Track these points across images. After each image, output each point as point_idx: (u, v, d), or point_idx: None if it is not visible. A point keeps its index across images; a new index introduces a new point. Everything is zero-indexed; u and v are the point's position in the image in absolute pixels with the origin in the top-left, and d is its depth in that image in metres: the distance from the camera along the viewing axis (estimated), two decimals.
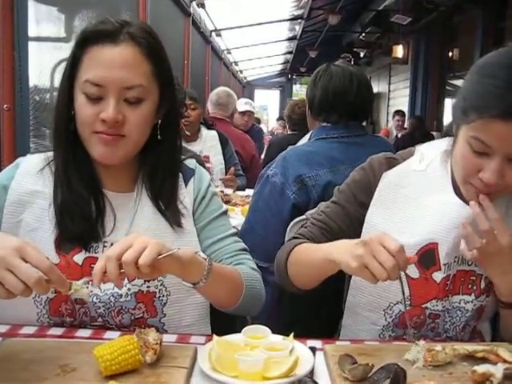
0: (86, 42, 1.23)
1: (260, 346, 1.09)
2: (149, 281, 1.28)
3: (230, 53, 11.45)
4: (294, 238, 1.46)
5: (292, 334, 1.14)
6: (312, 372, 1.06)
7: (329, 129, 2.08)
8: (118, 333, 1.23)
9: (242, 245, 1.44)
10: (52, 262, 1.22)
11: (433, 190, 1.33)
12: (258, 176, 4.74)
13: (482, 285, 1.33)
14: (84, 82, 1.21)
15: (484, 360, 1.08)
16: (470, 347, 1.11)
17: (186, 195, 1.38)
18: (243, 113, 5.61)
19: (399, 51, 10.99)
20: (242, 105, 5.57)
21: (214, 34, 8.87)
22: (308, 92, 2.18)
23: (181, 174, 1.40)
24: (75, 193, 1.28)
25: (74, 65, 1.24)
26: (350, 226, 1.40)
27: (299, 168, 1.99)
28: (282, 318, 1.65)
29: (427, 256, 1.30)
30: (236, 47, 11.11)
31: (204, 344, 1.15)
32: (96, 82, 1.20)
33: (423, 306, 1.31)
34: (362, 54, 14.50)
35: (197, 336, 1.24)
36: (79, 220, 1.27)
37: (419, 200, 1.34)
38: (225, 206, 1.49)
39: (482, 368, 1.01)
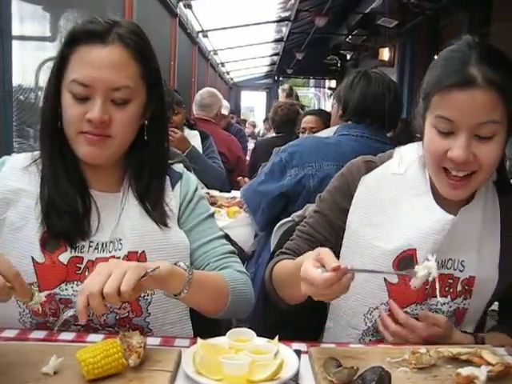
0: (74, 41, 1.22)
1: (245, 349, 1.08)
2: None
3: (216, 54, 11.43)
4: (281, 252, 1.46)
5: (277, 337, 1.14)
6: (297, 375, 1.05)
7: (352, 127, 2.14)
8: (102, 336, 1.21)
9: (230, 247, 1.43)
10: (37, 260, 1.24)
11: (411, 194, 1.33)
12: (243, 175, 4.70)
13: (459, 287, 1.33)
14: (71, 82, 1.21)
15: (468, 362, 1.08)
16: (454, 350, 1.11)
17: (173, 198, 1.38)
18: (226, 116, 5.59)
19: (385, 54, 11.04)
20: (224, 108, 5.49)
21: (200, 34, 8.86)
22: (342, 93, 2.21)
23: (168, 178, 1.40)
24: (62, 190, 1.27)
25: (61, 64, 1.23)
26: (334, 234, 1.40)
27: (307, 154, 2.12)
28: (267, 321, 1.65)
29: (406, 262, 1.29)
30: (223, 48, 11.11)
31: (188, 347, 1.14)
32: (83, 82, 1.20)
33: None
34: (348, 57, 14.58)
35: (181, 339, 1.23)
36: (66, 217, 1.26)
37: (397, 204, 1.33)
38: (212, 209, 1.49)
39: (466, 370, 1.01)
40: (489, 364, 1.05)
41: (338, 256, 1.24)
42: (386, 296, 1.32)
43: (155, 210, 1.34)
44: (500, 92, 1.15)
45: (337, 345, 1.25)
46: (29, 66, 2.61)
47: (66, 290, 1.26)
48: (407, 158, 1.37)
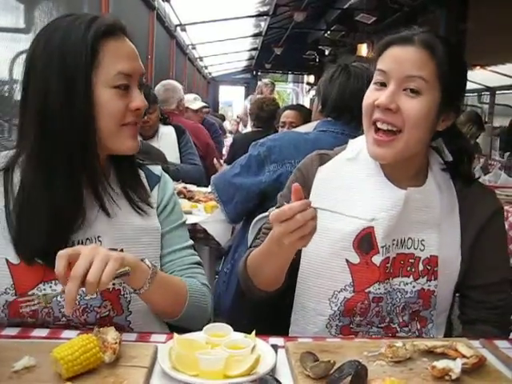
0: (100, 35, 1.20)
1: (221, 345, 1.07)
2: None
3: (194, 48, 11.36)
4: (251, 251, 1.47)
5: (254, 332, 1.13)
6: (274, 370, 1.05)
7: (331, 123, 2.11)
8: (76, 332, 1.19)
9: (196, 258, 1.44)
10: (12, 262, 1.21)
11: (365, 176, 1.38)
12: (214, 163, 4.59)
13: (420, 267, 1.36)
14: (116, 75, 1.21)
15: (443, 355, 1.09)
16: (429, 343, 1.12)
17: (151, 200, 1.38)
18: (197, 110, 5.44)
19: (363, 50, 11.11)
20: (192, 102, 5.38)
21: (178, 28, 8.79)
22: (322, 88, 2.18)
23: (146, 180, 1.39)
24: (53, 201, 1.20)
25: (91, 61, 1.19)
26: None
27: (286, 150, 2.08)
28: (244, 316, 1.65)
29: (365, 241, 1.33)
30: (201, 42, 11.05)
31: (164, 342, 1.13)
32: (128, 73, 1.23)
33: (366, 290, 1.33)
34: (326, 52, 14.62)
35: (157, 334, 1.22)
36: (44, 237, 1.20)
37: (353, 186, 1.38)
38: (185, 216, 1.48)
39: (441, 363, 1.03)
40: (464, 357, 1.06)
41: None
42: (348, 277, 1.34)
43: (138, 195, 1.34)
44: (431, 52, 1.26)
45: (313, 339, 1.25)
46: (2, 58, 2.56)
47: (44, 289, 1.23)
48: (358, 144, 1.43)
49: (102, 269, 1.05)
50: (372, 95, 1.31)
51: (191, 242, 1.46)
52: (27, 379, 0.98)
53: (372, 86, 1.32)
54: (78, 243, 1.25)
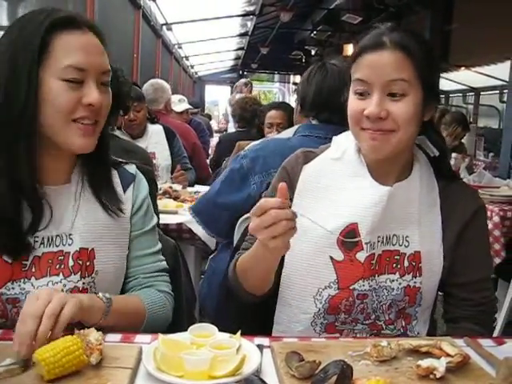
0: (54, 27, 1.18)
1: (206, 345, 1.07)
2: (84, 277, 1.26)
3: (180, 47, 11.34)
4: (239, 253, 1.47)
5: (239, 332, 1.13)
6: (259, 370, 1.05)
7: (313, 127, 2.07)
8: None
9: (161, 265, 1.44)
10: None
11: (350, 175, 1.38)
12: (201, 163, 4.62)
13: (406, 263, 1.36)
14: (66, 68, 1.17)
15: (428, 354, 1.09)
16: (414, 342, 1.13)
17: (125, 202, 1.36)
18: (181, 112, 5.38)
19: (350, 50, 11.14)
20: (177, 104, 5.31)
21: (164, 27, 8.77)
22: (300, 88, 2.16)
23: (119, 180, 1.38)
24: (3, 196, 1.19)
25: (41, 51, 1.17)
26: None
27: (270, 160, 2.00)
28: (229, 316, 1.64)
29: (349, 237, 1.33)
30: (187, 42, 11.02)
31: (149, 343, 1.12)
32: (80, 67, 1.18)
33: (351, 287, 1.34)
34: (313, 52, 14.66)
35: (141, 335, 1.21)
36: (4, 231, 1.19)
37: (338, 186, 1.38)
38: (155, 219, 1.47)
39: (425, 362, 1.03)
40: (448, 355, 1.07)
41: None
42: (333, 274, 1.34)
43: (108, 198, 1.32)
44: (407, 53, 1.25)
45: (299, 339, 1.25)
46: None
47: (13, 288, 1.21)
48: (343, 144, 1.43)
49: (57, 311, 1.04)
50: (357, 105, 1.30)
51: (159, 246, 1.46)
52: (9, 381, 0.96)
53: (354, 96, 1.31)
54: (49, 240, 1.24)
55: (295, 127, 2.21)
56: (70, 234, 1.26)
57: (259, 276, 1.35)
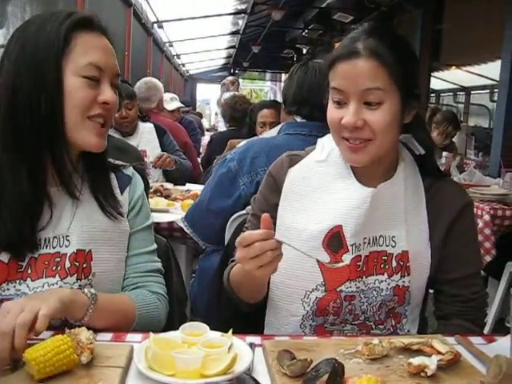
0: (74, 27, 1.21)
1: (198, 344, 1.06)
2: (81, 279, 1.26)
3: (172, 45, 11.31)
4: (232, 261, 1.48)
5: (231, 331, 1.13)
6: (251, 368, 1.05)
7: (297, 125, 2.09)
8: (50, 332, 1.17)
9: (155, 265, 1.42)
10: None
11: (335, 178, 1.38)
12: (193, 163, 4.62)
13: (394, 263, 1.36)
14: (86, 65, 1.20)
15: (419, 352, 1.10)
16: (405, 340, 1.13)
17: (123, 204, 1.37)
18: (173, 111, 5.37)
19: None
20: (169, 102, 5.32)
21: (155, 25, 8.75)
22: (284, 87, 2.18)
23: (117, 183, 1.38)
24: (15, 194, 1.19)
25: (63, 49, 1.19)
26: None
27: (257, 160, 2.02)
28: (221, 314, 1.64)
29: (334, 240, 1.33)
30: (178, 40, 10.99)
31: (140, 342, 1.12)
32: (99, 65, 1.22)
33: (338, 289, 1.34)
34: (304, 51, 14.66)
35: (133, 334, 1.20)
36: (11, 227, 1.19)
37: (323, 188, 1.38)
38: (151, 219, 1.46)
39: (417, 360, 1.03)
40: (439, 353, 1.07)
41: None
42: (319, 277, 1.34)
43: (107, 200, 1.32)
44: (381, 61, 1.24)
45: (291, 337, 1.25)
46: None
47: (8, 289, 1.20)
48: (328, 146, 1.43)
49: (30, 320, 1.01)
50: (335, 114, 1.30)
51: (154, 246, 1.44)
52: None
53: (332, 104, 1.31)
54: (45, 241, 1.24)
55: (279, 126, 2.23)
56: (67, 236, 1.26)
57: (252, 289, 1.36)
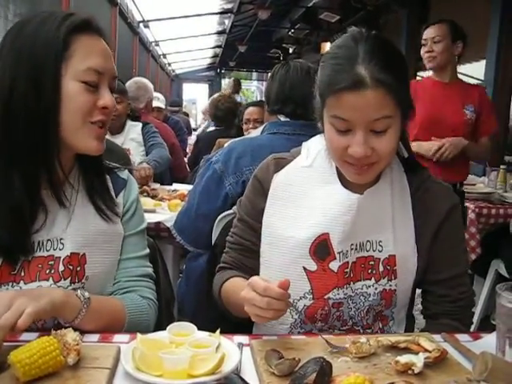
0: (74, 29, 1.18)
1: (185, 344, 1.06)
2: (74, 282, 1.25)
3: (158, 45, 11.27)
4: (220, 267, 1.49)
5: (218, 331, 1.12)
6: (239, 368, 1.05)
7: (280, 124, 2.09)
8: (36, 334, 1.16)
9: (146, 270, 1.41)
10: None
11: (320, 183, 1.37)
12: (180, 163, 4.61)
13: (381, 268, 1.36)
14: (86, 70, 1.18)
15: (406, 350, 1.10)
16: (393, 338, 1.13)
17: (118, 206, 1.36)
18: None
19: (327, 48, 11.18)
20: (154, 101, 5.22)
21: (141, 25, 8.71)
22: (266, 87, 2.19)
23: (111, 185, 1.37)
24: (9, 200, 1.18)
25: (62, 53, 1.17)
26: (258, 236, 1.41)
27: (242, 160, 2.02)
28: (209, 314, 1.63)
29: (321, 247, 1.33)
30: (164, 39, 10.96)
31: (127, 343, 1.11)
32: (99, 70, 1.21)
33: (325, 297, 1.33)
34: (291, 50, 14.67)
35: (120, 335, 1.20)
36: (4, 232, 1.18)
37: (309, 194, 1.37)
38: (145, 223, 1.45)
39: (404, 358, 1.04)
40: (426, 351, 1.08)
41: None
42: (307, 285, 1.34)
43: (103, 202, 1.32)
44: (389, 89, 1.19)
45: (278, 336, 1.25)
46: None
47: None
48: (313, 150, 1.42)
49: (16, 317, 1.01)
50: (339, 141, 1.25)
51: (147, 251, 1.43)
52: None
53: (333, 130, 1.26)
54: (39, 244, 1.23)
55: (262, 126, 2.23)
56: (61, 239, 1.25)
57: (242, 311, 1.34)
